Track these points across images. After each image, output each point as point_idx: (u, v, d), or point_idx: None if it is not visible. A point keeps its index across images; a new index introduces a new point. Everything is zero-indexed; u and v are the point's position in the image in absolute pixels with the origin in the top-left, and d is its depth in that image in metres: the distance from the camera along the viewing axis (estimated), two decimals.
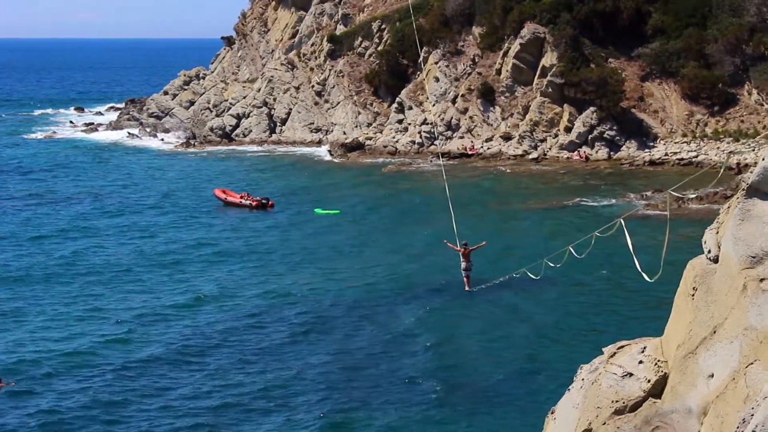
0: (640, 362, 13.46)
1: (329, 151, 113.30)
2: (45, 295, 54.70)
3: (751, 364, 10.86)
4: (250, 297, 54.31)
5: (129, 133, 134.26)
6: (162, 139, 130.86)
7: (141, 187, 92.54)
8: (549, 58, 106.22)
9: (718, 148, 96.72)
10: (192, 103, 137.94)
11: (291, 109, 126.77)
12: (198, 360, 43.82)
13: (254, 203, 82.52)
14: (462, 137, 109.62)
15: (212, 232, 73.29)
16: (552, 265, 26.94)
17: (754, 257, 11.30)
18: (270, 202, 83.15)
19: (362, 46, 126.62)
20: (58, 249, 66.45)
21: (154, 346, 45.48)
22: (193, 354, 44.62)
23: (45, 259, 63.14)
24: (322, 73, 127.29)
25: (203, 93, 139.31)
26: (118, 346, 45.70)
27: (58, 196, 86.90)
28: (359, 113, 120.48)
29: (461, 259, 47.63)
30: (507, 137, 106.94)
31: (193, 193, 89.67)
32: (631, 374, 13.42)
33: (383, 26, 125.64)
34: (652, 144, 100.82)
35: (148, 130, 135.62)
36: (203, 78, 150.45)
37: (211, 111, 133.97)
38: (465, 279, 48.28)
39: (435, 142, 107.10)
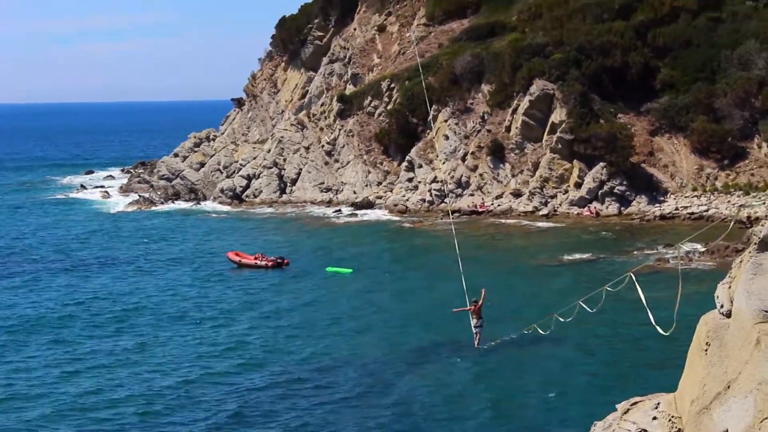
0: (654, 418, 13.37)
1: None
2: (71, 361, 54.52)
3: (766, 419, 10.76)
4: (276, 360, 53.79)
5: (140, 196, 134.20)
6: (173, 201, 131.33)
7: (155, 251, 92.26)
8: (558, 115, 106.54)
9: (728, 201, 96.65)
10: (202, 164, 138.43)
11: (301, 169, 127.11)
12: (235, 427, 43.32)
13: (270, 263, 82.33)
14: (472, 194, 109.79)
15: (229, 294, 72.83)
16: (562, 320, 26.81)
17: (767, 311, 11.23)
18: (285, 261, 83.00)
19: (372, 105, 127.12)
20: (74, 313, 66.41)
21: (187, 415, 44.75)
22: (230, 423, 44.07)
23: (70, 328, 62.94)
24: (331, 133, 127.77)
25: (213, 154, 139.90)
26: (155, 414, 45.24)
27: (72, 263, 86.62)
28: (369, 172, 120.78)
29: (471, 316, 47.45)
30: (517, 194, 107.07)
31: (208, 255, 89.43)
32: (645, 431, 13.31)
33: (392, 85, 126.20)
34: (662, 198, 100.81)
35: (159, 192, 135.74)
36: (213, 139, 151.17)
37: (222, 172, 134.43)
38: (476, 336, 48.08)
39: (445, 200, 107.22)
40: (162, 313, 65.99)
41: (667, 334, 15.73)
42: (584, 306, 23.28)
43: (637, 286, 16.49)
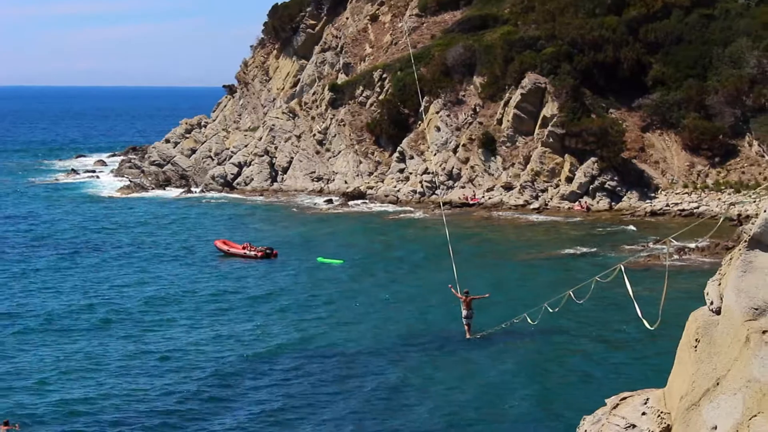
0: (644, 414, 13.43)
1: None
2: (48, 350, 54.42)
3: (755, 416, 10.85)
4: (271, 349, 53.40)
5: (131, 181, 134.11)
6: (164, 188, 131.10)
7: (143, 238, 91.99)
8: (550, 108, 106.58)
9: (719, 199, 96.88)
10: (193, 151, 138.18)
11: (292, 157, 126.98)
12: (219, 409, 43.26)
13: (259, 254, 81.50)
14: (463, 187, 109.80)
15: (223, 283, 72.13)
16: (551, 310, 26.87)
17: (756, 309, 11.31)
18: (274, 252, 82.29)
19: (363, 95, 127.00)
20: (55, 298, 66.25)
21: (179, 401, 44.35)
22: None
23: (55, 311, 62.69)
24: (323, 122, 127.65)
25: (205, 141, 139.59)
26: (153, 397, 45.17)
27: (59, 246, 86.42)
28: (360, 162, 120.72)
29: (462, 308, 47.63)
30: (508, 187, 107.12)
31: (196, 243, 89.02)
32: (634, 426, 13.39)
33: (384, 75, 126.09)
34: (653, 195, 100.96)
35: (150, 178, 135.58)
36: (205, 126, 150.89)
37: (213, 159, 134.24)
38: (466, 327, 48.35)
39: (436, 192, 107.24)
40: (150, 304, 64.63)
41: (653, 328, 15.82)
42: (573, 297, 23.36)
43: (625, 279, 16.57)
